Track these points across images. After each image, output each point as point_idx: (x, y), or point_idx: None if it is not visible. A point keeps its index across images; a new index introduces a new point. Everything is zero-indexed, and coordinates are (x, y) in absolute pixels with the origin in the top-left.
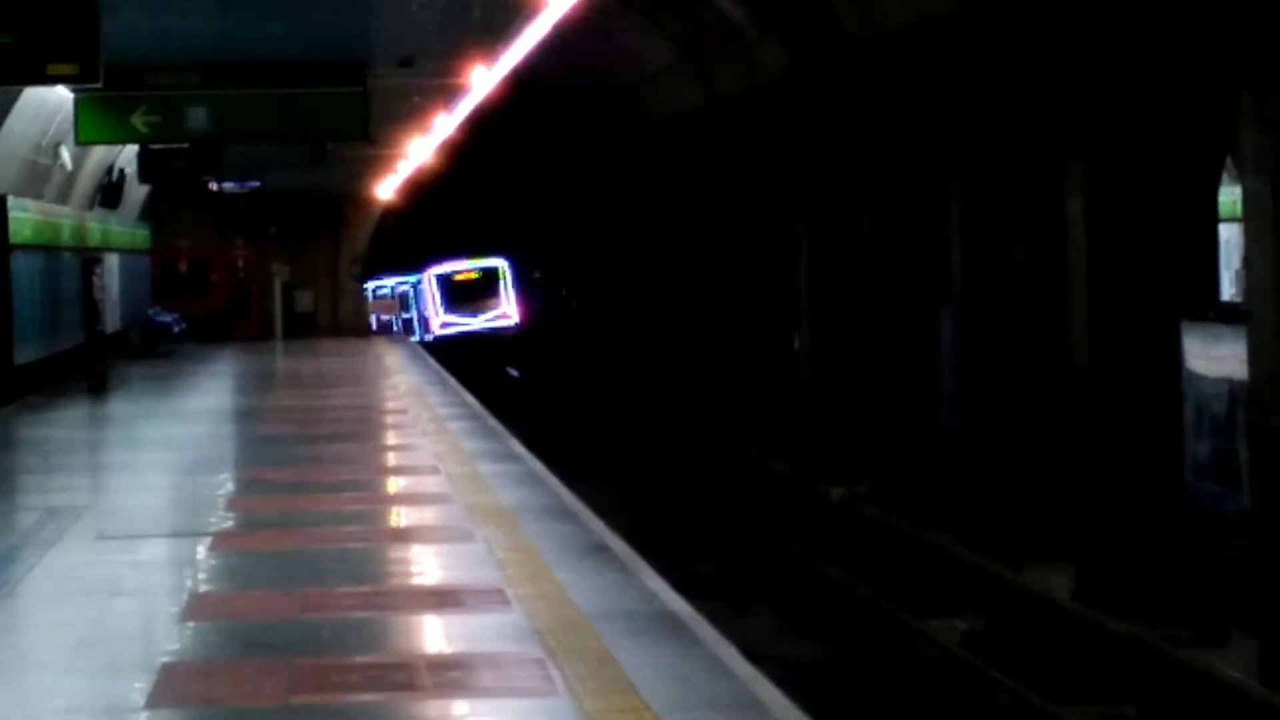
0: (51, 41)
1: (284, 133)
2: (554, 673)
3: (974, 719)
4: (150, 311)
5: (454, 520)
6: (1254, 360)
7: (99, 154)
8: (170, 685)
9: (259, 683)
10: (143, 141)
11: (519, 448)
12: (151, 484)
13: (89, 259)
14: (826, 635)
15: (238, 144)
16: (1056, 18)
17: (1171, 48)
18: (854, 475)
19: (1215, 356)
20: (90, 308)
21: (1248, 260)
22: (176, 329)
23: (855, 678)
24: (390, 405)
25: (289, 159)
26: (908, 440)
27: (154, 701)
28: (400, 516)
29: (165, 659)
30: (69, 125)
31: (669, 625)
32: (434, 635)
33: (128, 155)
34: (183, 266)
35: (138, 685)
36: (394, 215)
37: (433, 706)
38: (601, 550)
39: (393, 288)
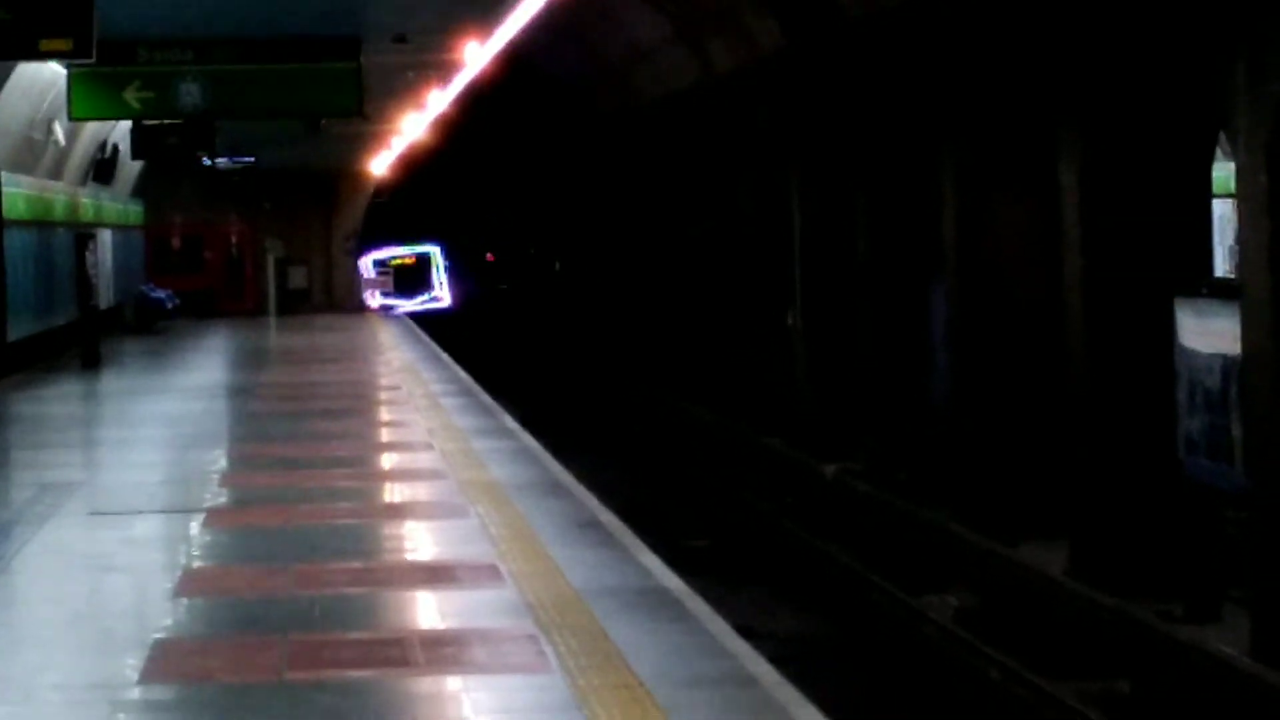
0: (45, 17)
1: (277, 108)
2: (547, 649)
3: (967, 695)
4: (144, 287)
5: (447, 496)
6: (1247, 336)
7: (92, 130)
8: (164, 661)
9: (252, 658)
10: (136, 117)
11: (512, 423)
12: (145, 460)
13: (82, 235)
14: (820, 611)
15: (231, 120)
16: None
17: (1164, 20)
18: (848, 452)
19: (1208, 332)
20: (84, 284)
21: (1240, 235)
22: (170, 305)
23: (848, 653)
24: (383, 381)
25: (282, 135)
26: (902, 416)
27: (147, 677)
28: (394, 492)
29: (159, 635)
30: (62, 101)
31: (662, 601)
32: (427, 611)
33: (121, 131)
34: (176, 242)
35: (131, 661)
36: (388, 191)
37: (426, 682)
38: (594, 526)
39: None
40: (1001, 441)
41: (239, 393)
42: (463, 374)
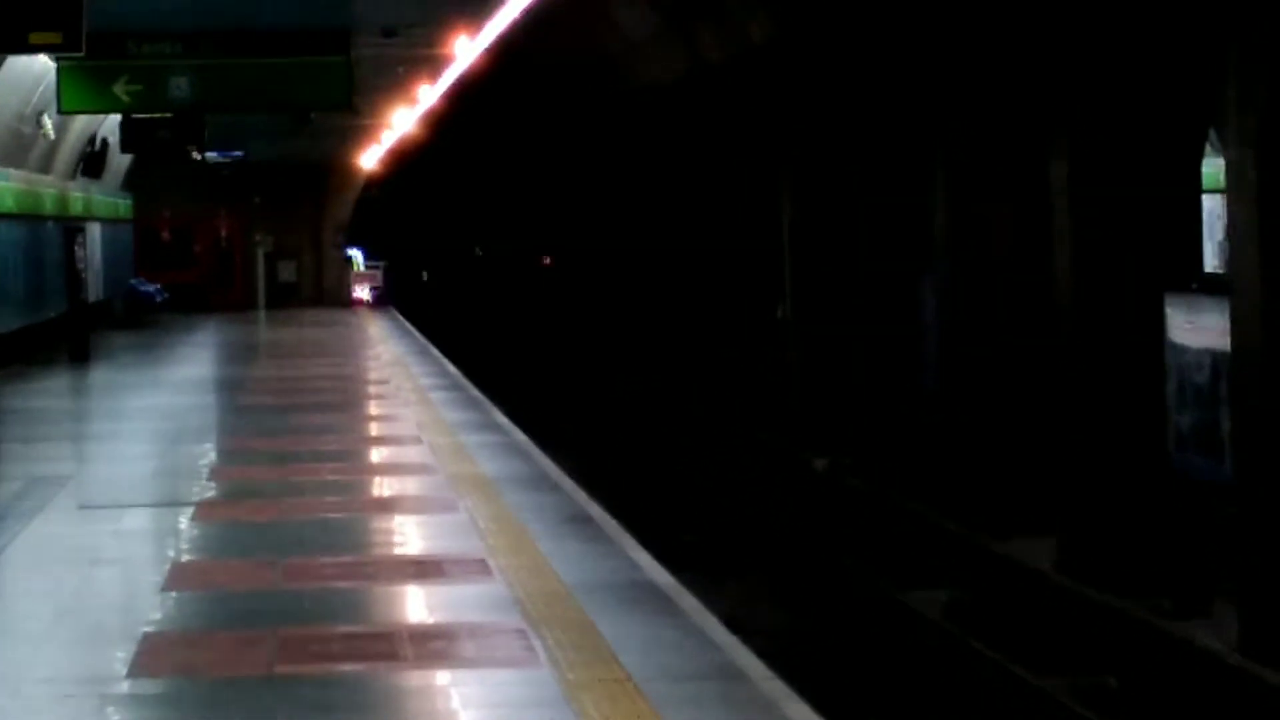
0: (34, 10)
1: (267, 102)
2: (536, 643)
3: (956, 689)
4: (133, 281)
5: (436, 490)
6: (1236, 331)
7: (81, 123)
8: (152, 655)
9: (241, 652)
10: (125, 111)
11: (501, 418)
12: (134, 453)
13: (71, 229)
14: (809, 606)
15: (221, 113)
16: None
17: (1155, 15)
18: (838, 446)
19: (1198, 327)
20: (73, 277)
21: (1230, 232)
22: (159, 299)
23: (837, 648)
24: (373, 375)
25: (272, 128)
26: (893, 411)
27: (136, 671)
28: (383, 486)
29: (147, 629)
30: (51, 94)
31: (651, 595)
32: (416, 605)
33: (110, 124)
34: (165, 236)
35: (119, 655)
36: (378, 185)
37: (415, 676)
38: (583, 520)
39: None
40: (992, 437)
41: (228, 386)
42: (451, 368)
